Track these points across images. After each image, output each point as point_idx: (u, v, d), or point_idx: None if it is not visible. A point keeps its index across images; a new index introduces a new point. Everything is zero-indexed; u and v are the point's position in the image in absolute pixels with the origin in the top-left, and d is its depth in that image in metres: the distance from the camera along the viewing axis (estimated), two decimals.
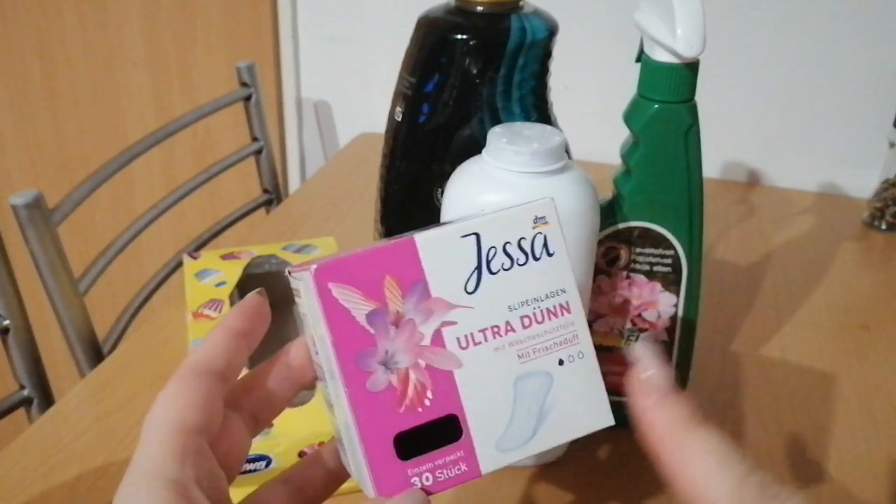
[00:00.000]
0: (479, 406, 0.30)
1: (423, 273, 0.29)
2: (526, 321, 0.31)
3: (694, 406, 0.32)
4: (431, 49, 0.53)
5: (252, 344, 0.34)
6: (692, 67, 0.50)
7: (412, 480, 0.29)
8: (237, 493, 0.51)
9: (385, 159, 0.58)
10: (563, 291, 0.32)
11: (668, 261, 0.54)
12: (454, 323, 0.30)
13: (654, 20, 0.50)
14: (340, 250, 0.32)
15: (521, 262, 0.31)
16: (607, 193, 0.54)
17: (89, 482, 0.54)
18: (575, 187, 0.48)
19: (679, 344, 0.57)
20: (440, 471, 0.30)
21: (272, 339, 0.37)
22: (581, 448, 0.58)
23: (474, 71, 0.52)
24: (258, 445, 0.50)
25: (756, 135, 1.04)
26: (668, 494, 0.55)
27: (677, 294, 0.55)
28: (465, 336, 0.30)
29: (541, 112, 0.55)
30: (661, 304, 0.56)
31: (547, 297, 0.31)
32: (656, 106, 0.51)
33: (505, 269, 0.31)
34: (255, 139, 1.06)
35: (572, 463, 0.57)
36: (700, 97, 0.51)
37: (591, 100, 0.98)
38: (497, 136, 0.48)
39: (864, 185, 0.98)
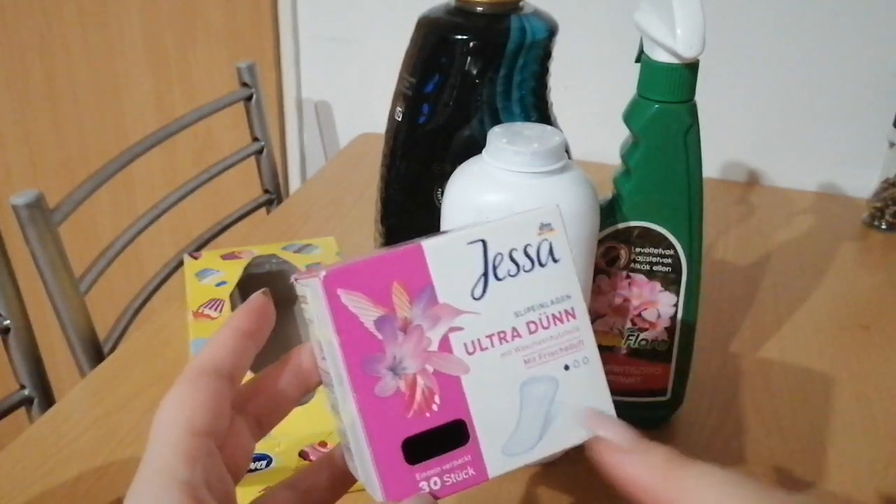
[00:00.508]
0: (486, 411, 0.30)
1: (430, 279, 0.30)
2: (532, 327, 0.31)
3: (666, 448, 0.31)
4: (431, 49, 0.53)
5: (258, 344, 0.34)
6: (692, 68, 0.50)
7: (420, 485, 0.30)
8: (238, 492, 0.51)
9: (385, 159, 0.58)
10: (569, 297, 0.32)
11: (668, 261, 0.54)
12: (461, 329, 0.30)
13: (653, 20, 0.50)
14: (346, 255, 0.33)
15: (527, 268, 0.31)
16: (607, 193, 0.54)
17: (89, 482, 0.54)
18: (575, 187, 0.48)
19: (679, 344, 0.57)
20: (448, 475, 0.30)
21: (274, 340, 0.37)
22: (581, 448, 0.58)
23: (474, 71, 0.52)
24: (258, 445, 0.50)
25: (756, 135, 1.04)
26: None
27: (677, 294, 0.55)
28: (473, 342, 0.30)
29: (541, 112, 0.55)
30: (660, 303, 0.56)
31: (553, 302, 0.32)
32: (656, 106, 0.51)
33: (511, 276, 0.31)
34: (255, 139, 1.06)
35: (572, 463, 0.57)
36: (700, 97, 0.51)
37: (591, 100, 0.98)
38: (497, 136, 0.48)
39: (864, 185, 0.98)
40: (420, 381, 0.30)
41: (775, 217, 0.95)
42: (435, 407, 0.30)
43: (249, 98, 1.03)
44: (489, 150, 0.49)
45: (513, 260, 0.31)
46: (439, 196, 0.54)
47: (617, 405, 0.59)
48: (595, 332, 0.56)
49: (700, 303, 0.57)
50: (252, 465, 0.50)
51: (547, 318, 0.32)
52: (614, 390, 0.59)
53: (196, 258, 0.70)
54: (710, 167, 0.84)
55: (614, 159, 0.54)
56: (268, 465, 0.50)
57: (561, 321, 0.32)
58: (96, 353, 0.80)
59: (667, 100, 0.50)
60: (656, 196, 0.53)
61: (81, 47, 1.29)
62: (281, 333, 0.43)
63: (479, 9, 0.53)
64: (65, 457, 0.56)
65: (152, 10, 1.24)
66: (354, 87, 1.16)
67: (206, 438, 0.31)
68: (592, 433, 0.33)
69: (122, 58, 1.28)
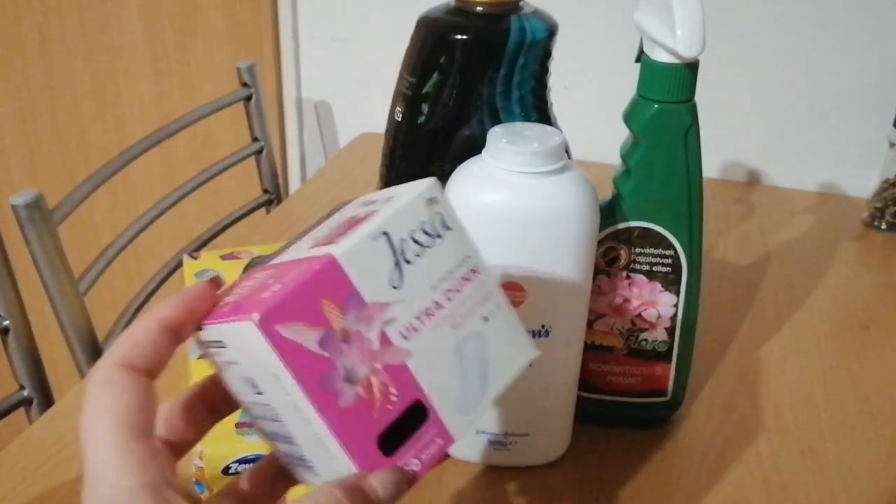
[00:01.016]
0: (435, 384, 0.32)
1: (352, 286, 0.30)
2: (449, 295, 0.33)
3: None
4: (431, 49, 0.53)
5: (182, 337, 0.33)
6: (692, 67, 0.50)
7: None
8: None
9: (385, 159, 0.58)
10: (469, 257, 0.34)
11: (668, 261, 0.54)
12: (393, 319, 0.31)
13: (653, 20, 0.50)
14: (234, 279, 0.33)
15: (428, 244, 0.33)
16: (607, 193, 0.54)
17: None
18: (575, 187, 0.48)
19: (679, 344, 0.57)
20: (422, 452, 0.32)
21: None
22: (581, 448, 0.58)
23: (474, 71, 0.52)
24: (258, 446, 0.50)
25: (756, 135, 1.04)
26: (667, 494, 0.55)
27: (677, 294, 0.55)
28: (406, 327, 0.32)
29: (540, 112, 0.55)
30: (660, 303, 0.56)
31: (458, 266, 0.34)
32: (656, 106, 0.51)
33: (418, 256, 0.32)
34: (255, 139, 1.06)
35: (572, 463, 0.57)
36: (700, 97, 0.51)
37: (591, 100, 0.98)
38: (497, 137, 0.48)
39: (864, 185, 0.98)
40: (374, 380, 0.31)
41: (775, 217, 0.95)
42: (393, 398, 0.31)
43: (249, 98, 1.03)
44: (489, 150, 0.49)
45: (415, 241, 0.32)
46: None
47: (617, 405, 0.59)
48: (595, 332, 0.56)
49: (700, 303, 0.57)
50: (243, 468, 0.50)
51: (458, 281, 0.33)
52: (614, 390, 0.59)
53: (195, 258, 0.70)
54: (710, 167, 0.84)
55: (614, 159, 0.54)
56: None
57: (469, 280, 0.34)
58: (96, 354, 0.80)
59: (667, 100, 0.50)
60: (656, 196, 0.53)
61: (81, 47, 1.29)
62: None
63: (479, 9, 0.53)
64: (65, 457, 0.56)
65: (152, 10, 1.24)
66: (354, 87, 1.16)
67: (149, 440, 0.30)
68: (532, 356, 0.36)
69: (122, 58, 1.28)
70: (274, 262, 0.34)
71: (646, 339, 0.57)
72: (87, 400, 0.30)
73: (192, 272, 0.68)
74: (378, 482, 0.30)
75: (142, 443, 0.29)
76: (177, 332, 0.32)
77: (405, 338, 0.32)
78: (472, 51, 0.52)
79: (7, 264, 0.72)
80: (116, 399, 0.30)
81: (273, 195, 1.10)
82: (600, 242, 0.53)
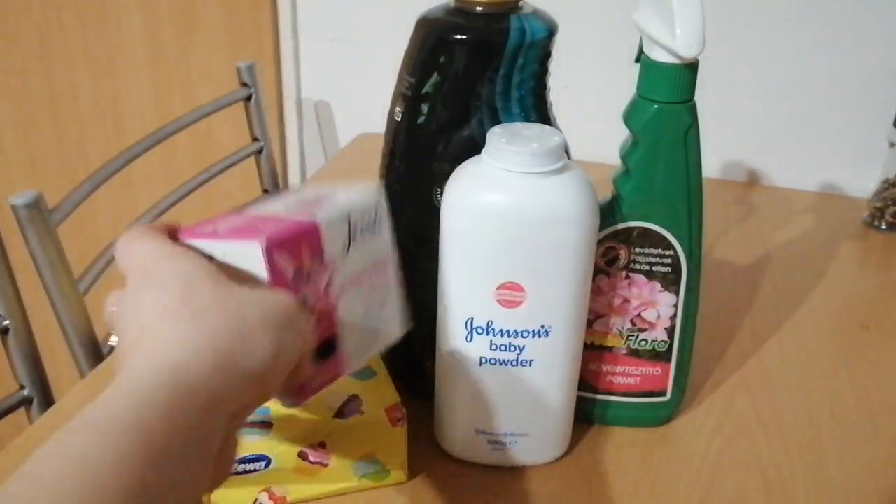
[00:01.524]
0: (346, 331, 0.44)
1: (322, 244, 0.41)
2: (370, 274, 0.45)
3: None
4: (431, 49, 0.53)
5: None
6: (692, 67, 0.50)
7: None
8: (234, 493, 0.51)
9: (385, 159, 0.58)
10: (388, 252, 0.46)
11: (668, 261, 0.54)
12: (334, 276, 0.42)
13: (653, 20, 0.50)
14: (228, 212, 0.43)
15: (369, 233, 0.44)
16: (607, 193, 0.54)
17: None
18: (574, 187, 0.48)
19: (679, 344, 0.57)
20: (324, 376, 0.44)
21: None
22: (581, 448, 0.58)
23: (474, 71, 0.52)
24: (258, 446, 0.50)
25: (756, 135, 1.04)
26: (667, 494, 0.55)
27: (677, 294, 0.55)
28: (339, 285, 0.43)
29: (540, 112, 0.55)
30: (660, 303, 0.56)
31: (379, 255, 0.46)
32: (656, 106, 0.51)
33: (361, 237, 0.44)
34: (255, 139, 1.06)
35: (572, 463, 0.57)
36: (700, 97, 0.51)
37: (591, 100, 0.98)
38: (496, 137, 0.48)
39: (864, 184, 0.98)
40: (315, 312, 0.41)
41: (775, 217, 0.95)
42: (323, 328, 0.42)
43: (249, 98, 1.03)
44: (489, 150, 0.49)
45: (362, 229, 0.44)
46: (439, 196, 0.54)
47: (617, 405, 0.59)
48: (595, 332, 0.56)
49: (700, 303, 0.57)
50: (252, 466, 0.50)
51: (376, 265, 0.45)
52: (614, 390, 0.59)
53: None
54: (710, 167, 0.84)
55: (614, 159, 0.54)
56: (267, 465, 0.50)
57: (383, 268, 0.46)
58: (96, 353, 0.80)
59: (667, 100, 0.50)
60: (656, 196, 0.53)
61: (81, 47, 1.29)
62: None
63: (479, 9, 0.53)
64: None
65: (152, 10, 1.24)
66: (354, 87, 1.16)
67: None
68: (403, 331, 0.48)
69: (122, 58, 1.28)
70: (249, 213, 0.43)
71: (645, 339, 0.57)
72: (121, 240, 0.38)
73: None
74: None
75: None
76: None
77: (339, 293, 0.43)
78: (471, 51, 0.52)
79: (7, 264, 0.72)
80: (147, 233, 0.38)
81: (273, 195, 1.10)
82: (600, 242, 0.53)
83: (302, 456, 0.51)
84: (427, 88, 0.54)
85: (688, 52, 0.48)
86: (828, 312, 0.76)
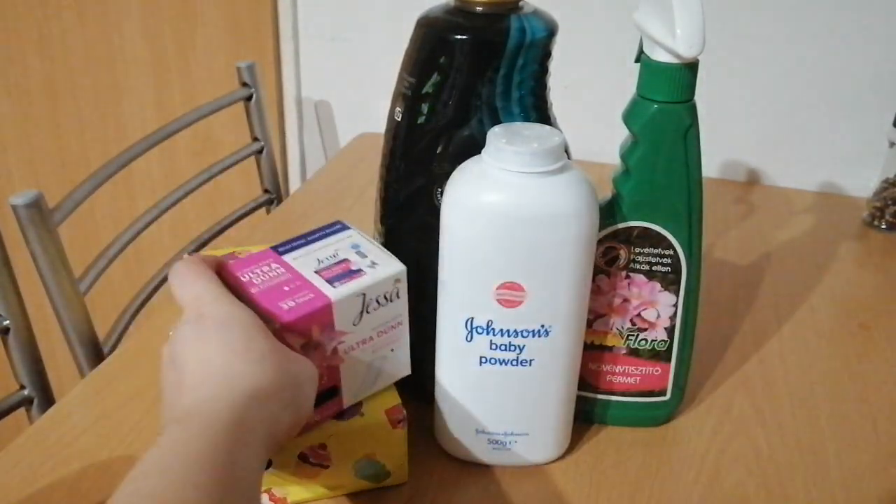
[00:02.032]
0: (348, 380, 0.50)
1: (332, 319, 0.47)
2: (380, 334, 0.50)
3: None
4: (431, 49, 0.53)
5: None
6: (692, 67, 0.50)
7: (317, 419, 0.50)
8: None
9: (385, 159, 0.58)
10: (402, 315, 0.51)
11: (668, 260, 0.54)
12: (343, 342, 0.48)
13: (653, 20, 0.50)
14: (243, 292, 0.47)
15: (383, 304, 0.49)
16: (607, 193, 0.54)
17: (90, 482, 0.54)
18: (574, 187, 0.48)
19: (678, 343, 0.57)
20: (326, 411, 0.50)
21: None
22: (581, 448, 0.58)
23: (474, 71, 0.52)
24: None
25: (756, 135, 1.04)
26: (667, 494, 0.55)
27: (677, 294, 0.55)
28: (348, 348, 0.49)
29: (540, 112, 0.55)
30: (660, 303, 0.56)
31: (393, 319, 0.51)
32: (656, 106, 0.51)
33: (374, 310, 0.49)
34: (255, 139, 1.06)
35: (572, 463, 0.57)
36: (700, 97, 0.51)
37: (591, 100, 0.98)
38: (496, 137, 0.48)
39: (864, 184, 0.98)
40: (321, 367, 0.47)
41: (775, 217, 0.95)
42: (324, 381, 0.47)
43: (249, 98, 1.03)
44: (489, 150, 0.49)
45: (377, 301, 0.49)
46: (439, 196, 0.54)
47: (617, 405, 0.59)
48: (595, 331, 0.56)
49: (700, 303, 0.57)
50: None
51: (388, 328, 0.50)
52: (614, 390, 0.59)
53: None
54: (710, 167, 0.84)
55: (614, 159, 0.54)
56: (267, 467, 0.50)
57: (395, 328, 0.51)
58: (96, 353, 0.80)
59: (666, 100, 0.50)
60: (656, 196, 0.53)
61: (81, 47, 1.29)
62: None
63: (479, 9, 0.53)
64: (65, 457, 0.56)
65: (152, 10, 1.24)
66: (354, 87, 1.16)
67: None
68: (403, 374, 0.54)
69: (122, 58, 1.28)
70: (286, 264, 0.49)
71: (645, 339, 0.57)
72: (175, 268, 0.45)
73: None
74: None
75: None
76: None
77: (345, 353, 0.49)
78: (471, 51, 0.52)
79: (7, 264, 0.72)
80: (201, 266, 0.45)
81: (273, 195, 1.10)
82: (600, 242, 0.53)
83: (302, 457, 0.51)
84: (427, 88, 0.54)
85: (688, 52, 0.48)
86: (827, 312, 0.76)
